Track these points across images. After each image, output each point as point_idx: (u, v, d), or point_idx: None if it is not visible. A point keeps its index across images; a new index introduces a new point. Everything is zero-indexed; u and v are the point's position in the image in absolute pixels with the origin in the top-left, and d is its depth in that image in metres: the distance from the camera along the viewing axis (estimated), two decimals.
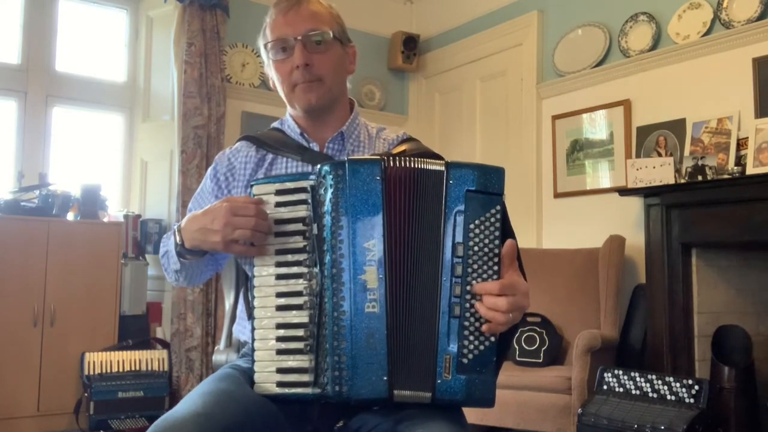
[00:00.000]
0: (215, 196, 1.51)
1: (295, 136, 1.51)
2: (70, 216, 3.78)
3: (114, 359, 3.63)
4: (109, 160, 4.44)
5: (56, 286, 3.58)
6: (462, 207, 1.16)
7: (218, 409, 1.14)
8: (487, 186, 1.17)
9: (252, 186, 1.26)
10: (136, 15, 4.52)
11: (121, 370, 3.62)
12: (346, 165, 1.19)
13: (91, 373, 3.55)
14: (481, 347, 1.16)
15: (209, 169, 1.55)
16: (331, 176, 1.19)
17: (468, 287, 1.16)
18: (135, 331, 3.90)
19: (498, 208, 1.17)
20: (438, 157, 1.45)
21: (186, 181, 4.03)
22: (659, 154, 3.52)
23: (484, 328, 1.15)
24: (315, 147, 1.49)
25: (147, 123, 4.42)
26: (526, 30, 4.35)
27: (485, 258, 1.16)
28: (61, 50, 4.23)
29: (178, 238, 1.35)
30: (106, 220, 3.94)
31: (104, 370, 3.58)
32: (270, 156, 1.48)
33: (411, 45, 5.04)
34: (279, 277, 1.23)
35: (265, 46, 1.47)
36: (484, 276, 1.16)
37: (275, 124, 1.58)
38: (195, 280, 1.51)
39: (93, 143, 4.39)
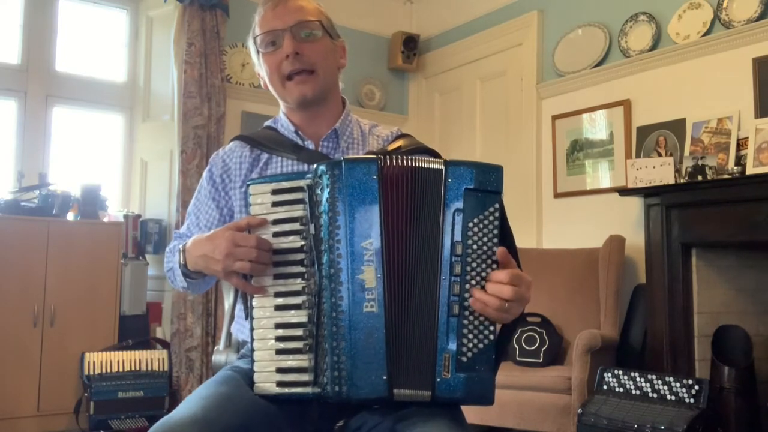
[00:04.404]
0: (213, 198, 1.51)
1: (290, 135, 1.50)
2: (70, 216, 3.77)
3: (114, 359, 3.63)
4: (109, 160, 4.44)
5: (56, 286, 3.58)
6: (461, 205, 1.16)
7: (217, 414, 1.13)
8: (485, 184, 1.16)
9: (248, 186, 1.26)
10: (136, 15, 4.52)
11: (121, 370, 3.62)
12: (343, 164, 1.18)
13: (91, 373, 3.55)
14: (480, 345, 1.16)
15: (205, 172, 1.54)
16: (327, 176, 1.18)
17: (467, 285, 1.16)
18: (135, 331, 3.90)
19: (497, 206, 1.17)
20: (433, 152, 1.45)
21: (186, 181, 4.03)
22: (659, 154, 3.52)
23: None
24: (310, 145, 1.48)
25: (147, 123, 4.42)
26: (526, 30, 4.35)
27: (484, 256, 1.16)
28: (61, 50, 4.23)
29: (182, 259, 1.36)
30: (106, 220, 3.94)
31: (104, 370, 3.58)
32: (265, 156, 1.48)
33: (411, 45, 5.04)
34: (277, 276, 1.22)
35: (255, 40, 1.48)
36: (483, 275, 1.16)
37: (268, 123, 1.57)
38: (202, 290, 1.53)
39: (93, 143, 4.39)
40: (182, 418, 1.10)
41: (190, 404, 1.16)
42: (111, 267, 3.76)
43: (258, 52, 1.50)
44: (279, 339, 1.21)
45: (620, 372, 2.97)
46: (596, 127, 3.90)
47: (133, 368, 3.65)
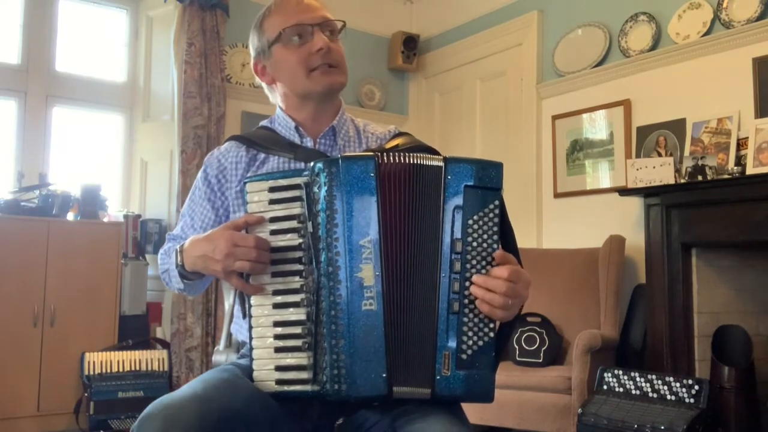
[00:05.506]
0: (208, 199, 1.50)
1: (288, 132, 1.50)
2: (70, 216, 3.77)
3: (114, 359, 3.63)
4: (109, 160, 4.44)
5: (56, 286, 3.58)
6: (460, 202, 1.16)
7: (217, 394, 1.13)
8: (485, 181, 1.16)
9: (245, 184, 1.25)
10: (136, 15, 4.53)
11: (121, 370, 3.62)
12: (340, 162, 1.18)
13: (91, 373, 3.54)
14: (480, 343, 1.16)
15: (200, 173, 1.53)
16: (324, 174, 1.18)
17: (467, 283, 1.16)
18: (135, 331, 3.89)
19: (496, 203, 1.17)
20: (431, 150, 1.45)
21: (186, 181, 4.02)
22: (659, 154, 3.52)
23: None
24: (308, 142, 1.48)
25: (147, 123, 4.42)
26: (526, 30, 4.35)
27: (484, 254, 1.16)
28: (61, 50, 4.23)
29: (179, 260, 1.35)
30: (106, 220, 3.93)
31: (104, 370, 3.58)
32: (261, 155, 1.47)
33: (411, 45, 5.04)
34: (275, 274, 1.22)
35: (281, 33, 1.45)
36: (483, 272, 1.16)
37: (264, 123, 1.56)
38: (198, 291, 1.52)
39: (93, 143, 4.39)
40: (181, 396, 1.10)
41: (191, 386, 1.16)
42: (111, 267, 3.76)
43: (270, 45, 1.47)
44: (278, 337, 1.21)
45: (620, 372, 2.97)
46: (596, 127, 3.90)
47: (133, 368, 3.65)
